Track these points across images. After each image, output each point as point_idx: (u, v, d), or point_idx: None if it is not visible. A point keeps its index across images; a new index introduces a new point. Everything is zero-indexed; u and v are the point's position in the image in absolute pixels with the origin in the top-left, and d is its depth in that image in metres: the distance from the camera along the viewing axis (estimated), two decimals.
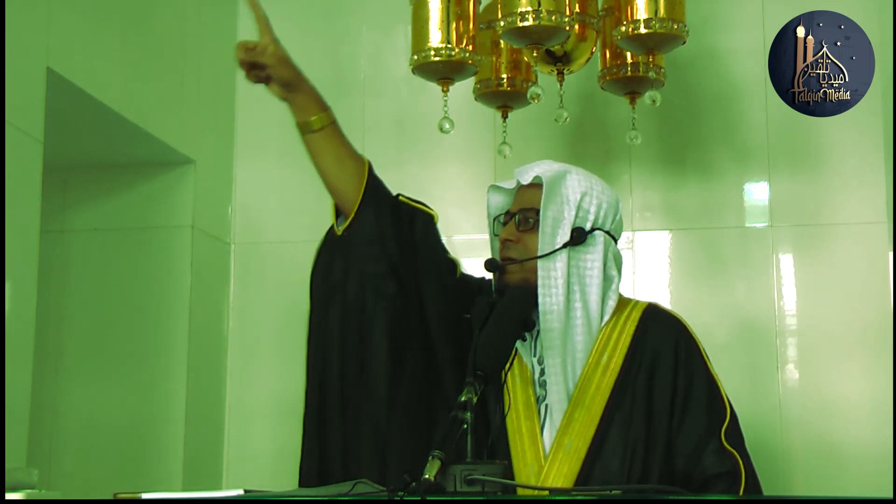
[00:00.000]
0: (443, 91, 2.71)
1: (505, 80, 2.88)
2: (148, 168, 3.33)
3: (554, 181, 2.23)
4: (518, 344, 2.19)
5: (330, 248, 2.27)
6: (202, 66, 3.40)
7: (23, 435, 2.49)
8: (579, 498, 1.88)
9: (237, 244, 3.55)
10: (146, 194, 3.35)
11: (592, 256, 2.23)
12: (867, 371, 3.18)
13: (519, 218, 2.25)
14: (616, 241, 2.30)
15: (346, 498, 1.67)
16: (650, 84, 2.75)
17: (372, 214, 2.23)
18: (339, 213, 2.28)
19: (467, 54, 2.65)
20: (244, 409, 3.45)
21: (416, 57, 2.66)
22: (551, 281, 2.18)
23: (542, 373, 2.19)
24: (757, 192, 3.35)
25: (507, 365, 2.16)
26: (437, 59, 2.63)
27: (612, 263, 2.27)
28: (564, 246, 2.20)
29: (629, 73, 2.81)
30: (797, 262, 3.30)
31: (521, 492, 1.98)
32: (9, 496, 1.72)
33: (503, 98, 2.92)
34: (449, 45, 2.63)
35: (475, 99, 2.96)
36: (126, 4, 3.02)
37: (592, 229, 2.24)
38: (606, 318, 2.24)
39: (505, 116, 2.96)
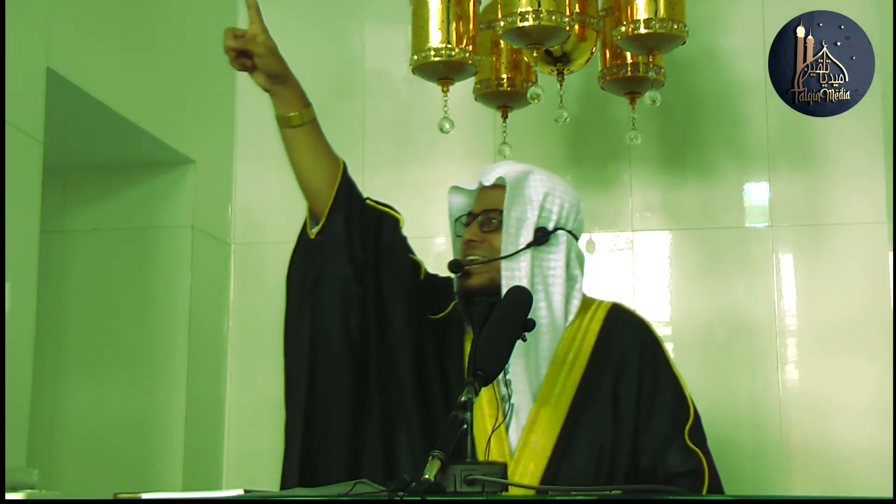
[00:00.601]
0: (443, 91, 2.71)
1: (505, 80, 2.88)
2: (148, 168, 3.33)
3: (517, 182, 2.25)
4: None
5: (302, 249, 2.26)
6: (202, 66, 3.40)
7: (23, 435, 2.49)
8: (579, 498, 1.88)
9: (237, 244, 3.55)
10: (146, 194, 3.35)
11: (556, 256, 2.25)
12: (867, 371, 3.18)
13: (482, 219, 2.27)
14: (577, 240, 2.32)
15: (346, 498, 1.67)
16: (650, 84, 2.75)
17: (342, 218, 2.22)
18: (311, 213, 2.27)
19: (467, 54, 2.65)
20: (244, 409, 3.45)
21: (416, 57, 2.66)
22: (515, 280, 2.19)
23: (507, 372, 2.19)
24: (757, 192, 3.35)
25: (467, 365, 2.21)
26: (437, 59, 2.63)
27: (575, 263, 2.29)
28: (528, 246, 2.22)
29: (629, 73, 2.81)
30: (797, 262, 3.30)
31: (517, 490, 1.98)
32: (9, 496, 1.72)
33: (503, 98, 2.92)
34: (449, 45, 2.63)
35: (475, 99, 2.96)
36: (126, 4, 3.02)
37: (555, 229, 2.25)
38: (571, 317, 2.26)
39: (505, 116, 2.96)
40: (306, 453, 2.17)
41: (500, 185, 2.27)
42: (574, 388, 2.20)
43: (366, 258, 2.22)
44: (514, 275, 2.20)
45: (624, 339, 2.26)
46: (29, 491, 1.79)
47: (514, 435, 2.17)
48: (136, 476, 3.19)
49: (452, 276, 2.28)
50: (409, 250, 2.32)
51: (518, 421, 2.17)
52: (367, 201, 2.29)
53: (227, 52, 2.18)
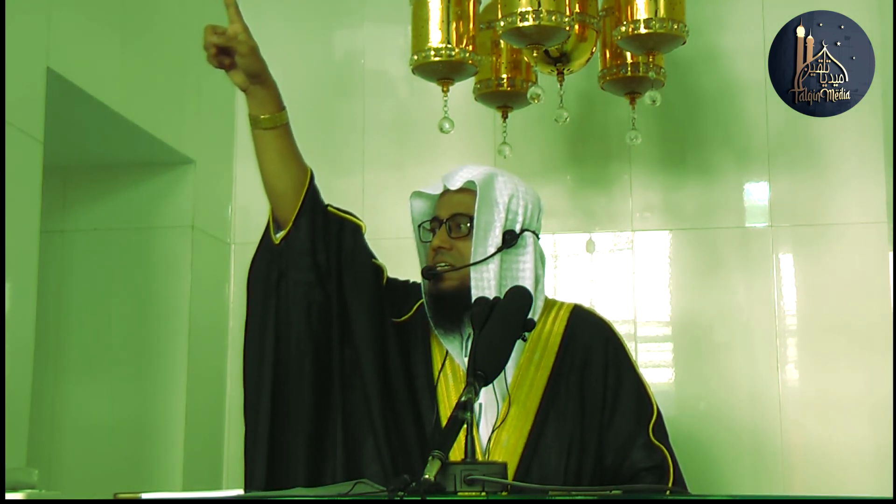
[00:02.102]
0: (443, 91, 2.71)
1: (505, 80, 2.88)
2: (148, 168, 3.33)
3: (486, 185, 2.26)
4: (448, 344, 2.26)
5: (265, 254, 2.25)
6: (202, 67, 3.38)
7: (23, 435, 2.49)
8: (579, 498, 1.89)
9: (237, 244, 3.55)
10: (146, 194, 3.35)
11: (524, 258, 2.28)
12: (867, 371, 3.18)
13: (450, 224, 2.27)
14: (539, 238, 2.34)
15: (346, 498, 1.67)
16: (650, 84, 2.75)
17: (308, 225, 2.21)
18: (274, 217, 2.25)
19: (467, 54, 2.65)
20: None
21: (416, 57, 2.66)
22: (484, 283, 2.22)
23: None
24: (757, 192, 3.35)
25: (440, 367, 2.24)
26: (437, 59, 2.63)
27: (540, 263, 2.32)
28: (498, 251, 2.24)
29: (629, 73, 2.81)
30: (797, 262, 3.30)
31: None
32: (9, 496, 1.72)
33: (503, 98, 2.92)
34: (449, 45, 2.63)
35: (475, 99, 2.96)
36: (126, 4, 3.02)
37: (522, 231, 2.28)
38: (536, 317, 2.28)
39: (505, 116, 2.96)
40: (270, 456, 2.17)
41: (465, 189, 2.28)
42: (542, 388, 2.24)
43: (328, 265, 2.22)
44: (482, 277, 2.22)
45: (588, 340, 2.30)
46: (29, 491, 1.79)
47: (484, 434, 2.19)
48: (136, 476, 3.19)
49: (421, 280, 2.29)
50: (371, 255, 2.31)
51: (487, 420, 2.20)
52: (329, 208, 2.27)
53: (207, 49, 2.17)
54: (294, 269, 2.21)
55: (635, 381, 2.29)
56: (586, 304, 3.30)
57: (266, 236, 2.26)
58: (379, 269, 2.32)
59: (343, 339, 2.22)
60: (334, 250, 2.24)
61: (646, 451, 2.21)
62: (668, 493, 2.04)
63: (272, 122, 2.21)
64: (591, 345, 2.29)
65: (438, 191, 2.33)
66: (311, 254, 2.21)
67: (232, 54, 2.15)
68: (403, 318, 2.31)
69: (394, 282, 2.35)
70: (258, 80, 2.19)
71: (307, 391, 2.20)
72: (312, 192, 2.25)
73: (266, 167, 2.23)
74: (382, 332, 2.25)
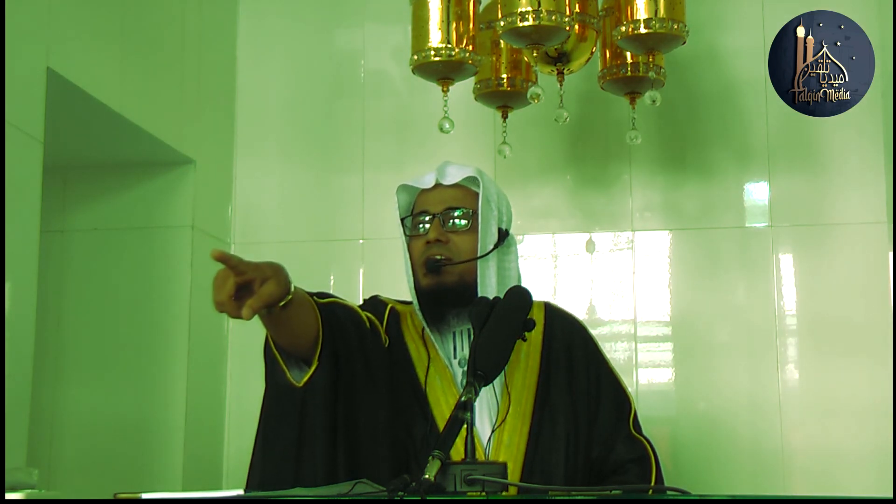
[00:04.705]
0: (443, 91, 2.72)
1: (505, 80, 2.88)
2: (148, 168, 3.33)
3: (483, 180, 2.28)
4: (438, 342, 2.25)
5: (283, 396, 2.11)
6: (202, 66, 3.40)
7: (23, 435, 2.49)
8: (579, 498, 1.89)
9: (237, 244, 3.55)
10: (146, 194, 3.35)
11: (511, 257, 2.32)
12: (867, 371, 3.18)
13: (443, 218, 2.26)
14: None
15: (346, 498, 1.67)
16: (650, 84, 2.75)
17: (328, 356, 2.06)
18: (279, 349, 2.08)
19: (467, 54, 2.65)
20: (244, 409, 3.45)
21: (416, 57, 2.66)
22: (487, 280, 2.23)
23: (464, 374, 2.16)
24: (757, 192, 3.35)
25: (426, 371, 2.22)
26: (437, 59, 2.63)
27: (518, 263, 2.34)
28: (496, 247, 2.26)
29: (629, 73, 2.81)
30: (797, 262, 3.30)
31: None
32: (9, 496, 1.72)
33: (503, 98, 2.92)
34: (449, 45, 2.63)
35: (475, 99, 2.96)
36: (126, 4, 3.02)
37: (506, 230, 2.31)
38: None
39: (505, 116, 2.96)
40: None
41: (456, 184, 2.29)
42: (534, 385, 2.25)
43: (349, 372, 2.12)
44: (486, 273, 2.23)
45: (566, 335, 2.33)
46: (29, 491, 1.78)
47: (482, 434, 2.19)
48: (136, 476, 3.19)
49: (412, 275, 2.26)
50: (360, 317, 2.21)
51: (481, 421, 2.19)
52: (315, 299, 2.09)
53: (228, 302, 1.81)
54: (319, 398, 2.08)
55: (612, 374, 2.33)
56: (586, 305, 3.36)
57: (277, 375, 2.09)
58: (371, 322, 2.23)
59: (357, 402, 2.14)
60: (348, 355, 2.12)
61: (629, 443, 2.25)
62: (667, 492, 2.04)
63: (287, 299, 1.93)
64: (571, 340, 2.32)
65: (425, 185, 2.31)
66: (333, 385, 2.09)
67: (252, 288, 1.84)
68: (383, 330, 2.26)
69: (373, 312, 2.28)
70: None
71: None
72: (325, 325, 2.08)
73: (283, 334, 2.04)
74: (391, 371, 2.22)
